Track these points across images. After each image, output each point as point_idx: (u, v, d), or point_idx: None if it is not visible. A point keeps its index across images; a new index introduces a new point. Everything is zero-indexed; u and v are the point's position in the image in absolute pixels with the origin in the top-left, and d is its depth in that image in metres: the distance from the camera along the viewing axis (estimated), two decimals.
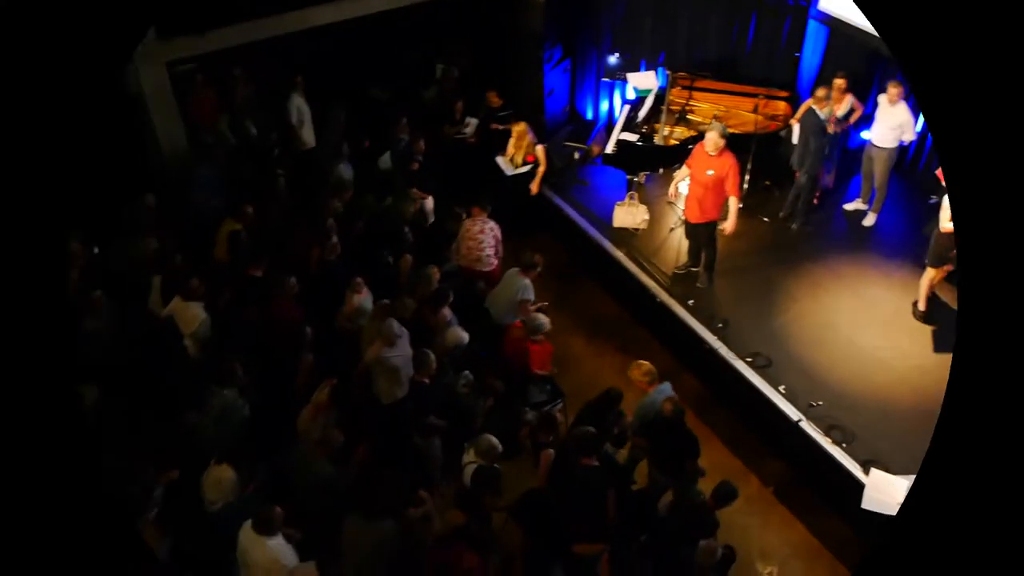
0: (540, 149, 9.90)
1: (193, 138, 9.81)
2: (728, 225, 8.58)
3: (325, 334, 7.67)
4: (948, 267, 7.94)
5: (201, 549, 6.05)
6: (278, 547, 5.53)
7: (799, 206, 9.50)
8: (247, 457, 6.32)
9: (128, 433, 6.70)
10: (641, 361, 7.12)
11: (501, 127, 10.60)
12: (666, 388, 6.98)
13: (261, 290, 7.64)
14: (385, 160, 9.91)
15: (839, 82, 9.09)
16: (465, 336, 7.47)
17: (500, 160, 10.01)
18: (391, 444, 6.78)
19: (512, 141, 9.95)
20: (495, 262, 8.71)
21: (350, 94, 11.06)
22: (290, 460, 6.50)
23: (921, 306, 8.27)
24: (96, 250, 8.33)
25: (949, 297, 8.35)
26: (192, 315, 7.32)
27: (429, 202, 9.32)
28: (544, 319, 7.57)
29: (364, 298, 7.76)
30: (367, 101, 11.30)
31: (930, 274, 8.07)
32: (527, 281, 8.05)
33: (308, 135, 10.40)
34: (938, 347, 8.09)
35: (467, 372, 7.34)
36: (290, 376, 7.26)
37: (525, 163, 9.93)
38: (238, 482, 6.19)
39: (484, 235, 8.55)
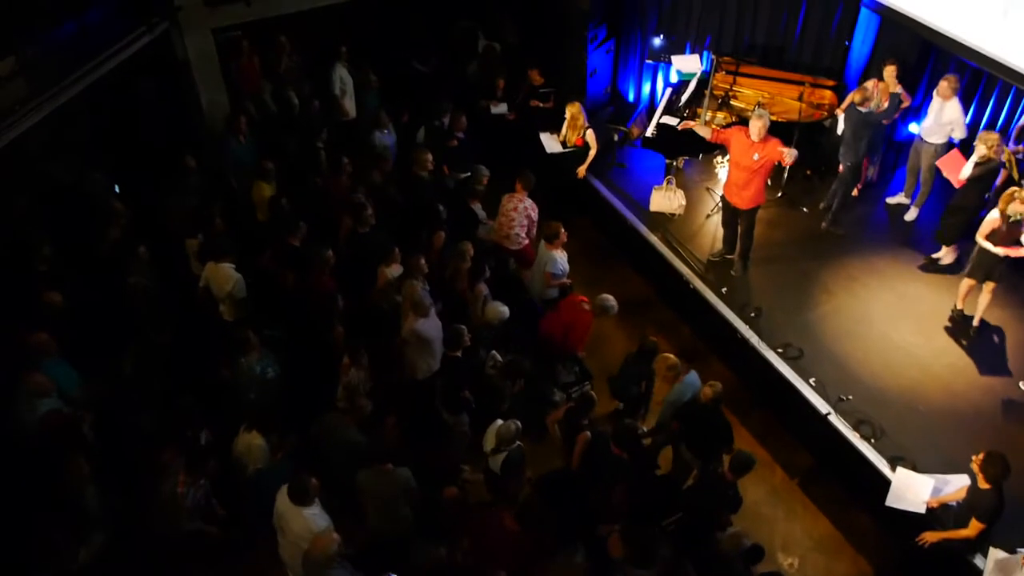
0: (591, 133, 9.82)
1: (236, 105, 9.91)
2: (788, 156, 7.99)
3: (357, 305, 7.75)
4: (991, 284, 7.78)
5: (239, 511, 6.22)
6: (313, 517, 5.61)
7: (835, 204, 9.35)
8: (276, 424, 6.45)
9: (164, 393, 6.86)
10: (667, 355, 7.10)
11: (541, 105, 10.57)
12: (693, 378, 6.96)
13: (299, 259, 7.75)
14: (420, 135, 9.94)
15: (890, 68, 8.93)
16: (505, 310, 7.48)
17: (545, 137, 9.95)
18: (420, 418, 6.86)
19: (567, 121, 9.87)
20: (525, 241, 8.74)
21: (392, 65, 11.11)
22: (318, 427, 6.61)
23: (960, 305, 8.14)
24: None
25: (997, 315, 8.18)
26: (226, 275, 7.49)
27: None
28: (612, 301, 7.54)
29: (397, 271, 7.80)
30: (409, 74, 11.32)
31: (969, 283, 7.93)
32: (553, 253, 8.07)
33: (350, 105, 10.49)
34: (973, 348, 7.97)
35: (495, 352, 7.37)
36: (323, 346, 7.34)
37: (574, 145, 9.87)
38: (267, 449, 6.32)
39: (516, 213, 8.57)
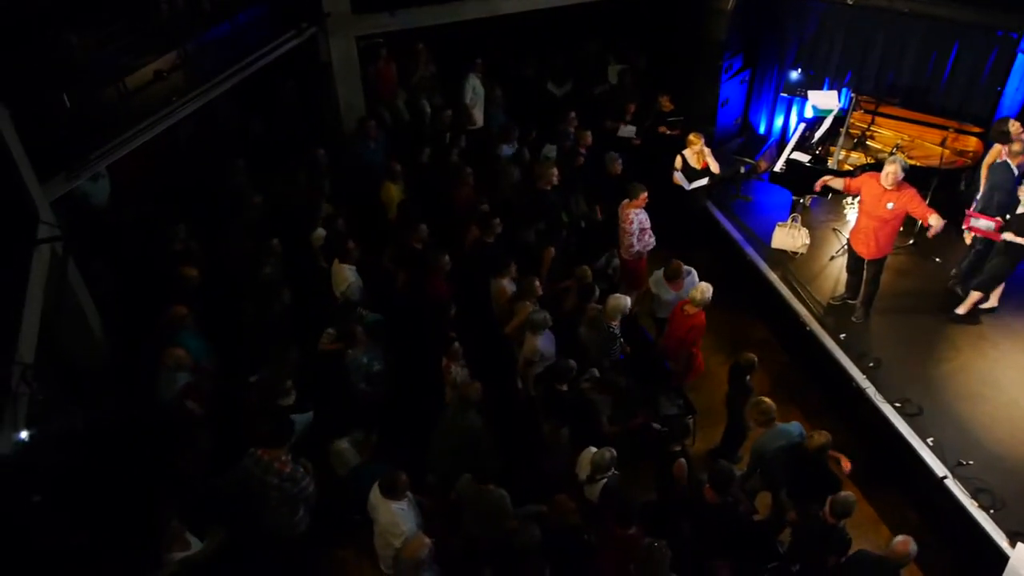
0: (710, 155, 9.72)
1: (371, 109, 10.29)
2: (935, 222, 7.73)
3: (472, 313, 7.92)
4: None
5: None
6: (400, 511, 5.77)
7: (964, 264, 8.76)
8: (360, 422, 6.72)
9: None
10: (761, 399, 6.87)
11: (669, 132, 10.50)
12: (789, 428, 6.74)
13: (417, 261, 7.98)
14: (549, 150, 10.03)
15: (1017, 127, 8.41)
16: (628, 301, 7.59)
17: (679, 176, 9.78)
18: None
19: (692, 157, 9.66)
20: (635, 248, 8.82)
21: (523, 84, 11.30)
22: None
23: None
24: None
25: None
26: (343, 277, 7.80)
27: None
28: (706, 289, 7.57)
29: (509, 285, 7.95)
30: (539, 93, 11.49)
31: None
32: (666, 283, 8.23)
33: (478, 115, 10.76)
34: None
35: (594, 370, 7.37)
36: (433, 349, 7.49)
37: (701, 172, 9.75)
38: (354, 450, 6.60)
39: (629, 224, 8.69)
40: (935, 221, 7.68)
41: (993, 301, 8.53)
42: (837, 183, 8.39)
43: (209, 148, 9.75)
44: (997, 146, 8.61)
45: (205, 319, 7.33)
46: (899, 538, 5.62)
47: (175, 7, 8.56)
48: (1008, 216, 7.94)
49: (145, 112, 7.62)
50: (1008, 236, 7.79)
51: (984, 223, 8.01)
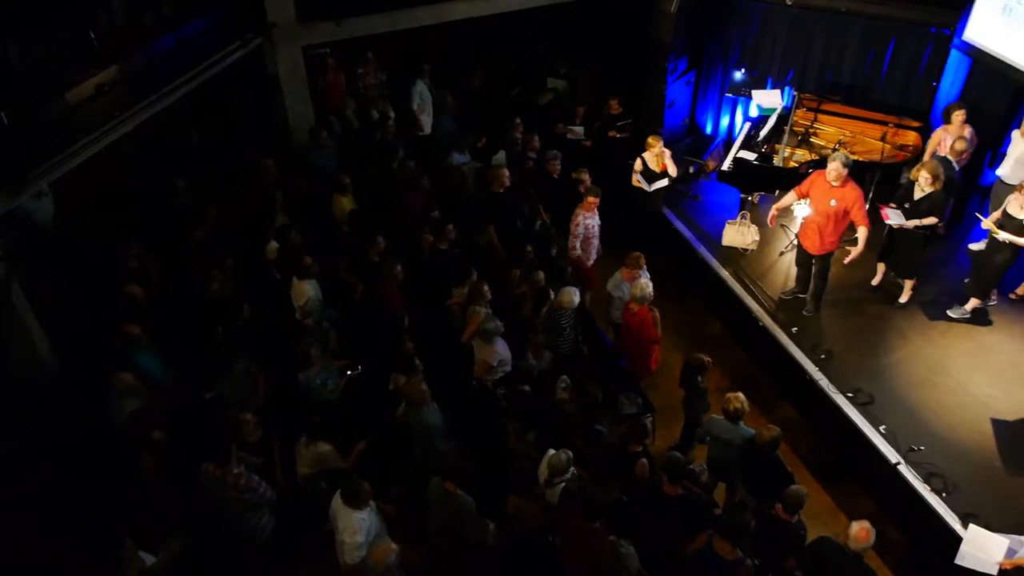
0: (669, 157, 9.76)
1: (320, 119, 10.20)
2: (855, 252, 8.20)
3: (433, 320, 7.93)
4: None
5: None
6: (361, 521, 5.70)
7: None
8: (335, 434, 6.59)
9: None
10: (736, 395, 6.93)
11: (619, 136, 10.59)
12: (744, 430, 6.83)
13: (374, 272, 7.94)
14: (499, 157, 10.05)
15: (958, 114, 8.77)
16: (577, 293, 7.66)
17: (639, 179, 9.77)
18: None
19: (652, 159, 9.64)
20: (578, 254, 8.87)
21: (472, 90, 11.32)
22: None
23: None
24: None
25: None
26: (302, 291, 7.71)
27: None
28: (645, 286, 7.70)
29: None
30: (490, 99, 11.51)
31: None
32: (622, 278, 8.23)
33: (426, 121, 10.75)
34: None
35: (565, 376, 7.37)
36: (389, 358, 7.45)
37: (660, 174, 9.79)
38: (336, 452, 6.47)
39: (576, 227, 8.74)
40: (861, 237, 8.02)
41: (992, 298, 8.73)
42: (789, 199, 8.48)
43: (157, 161, 9.58)
44: (937, 133, 8.90)
45: (167, 334, 7.24)
46: (857, 525, 5.69)
47: (115, 21, 8.40)
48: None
49: (87, 128, 7.46)
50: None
51: (896, 216, 8.24)
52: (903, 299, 8.84)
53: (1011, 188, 8.54)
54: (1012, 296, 8.75)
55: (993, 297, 8.69)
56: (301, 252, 7.85)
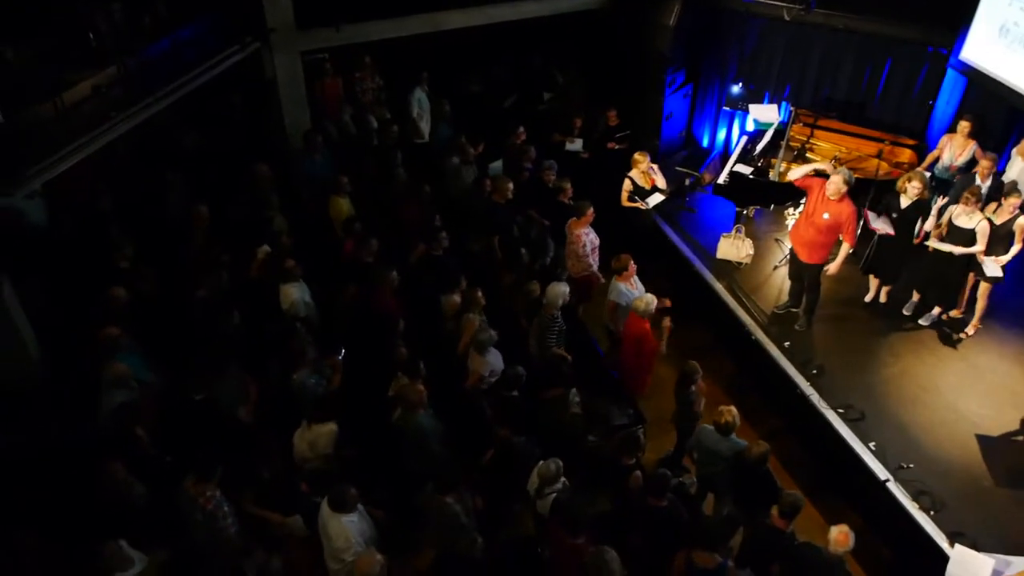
0: (657, 171, 9.76)
1: (318, 125, 10.20)
2: (833, 267, 8.38)
3: (427, 326, 7.92)
4: None
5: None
6: (351, 524, 5.68)
7: None
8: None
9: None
10: (729, 408, 6.94)
11: (617, 147, 10.61)
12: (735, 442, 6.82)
13: (367, 276, 7.93)
14: (496, 166, 10.06)
15: (964, 124, 8.78)
16: (565, 288, 7.69)
17: (635, 199, 9.69)
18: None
19: (640, 177, 9.60)
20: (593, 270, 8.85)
21: (470, 98, 11.32)
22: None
23: None
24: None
25: None
26: (287, 294, 7.70)
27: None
28: (649, 301, 7.68)
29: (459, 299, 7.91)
30: (488, 107, 11.53)
31: None
32: (620, 284, 8.21)
33: (425, 128, 10.75)
34: None
35: (575, 389, 7.31)
36: (382, 364, 7.42)
37: (651, 190, 9.78)
38: (337, 432, 6.48)
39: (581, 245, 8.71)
40: (842, 252, 8.17)
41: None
42: (797, 171, 8.42)
43: (151, 164, 9.56)
44: (942, 140, 9.06)
45: (158, 337, 7.21)
46: (836, 529, 5.74)
47: (114, 22, 8.39)
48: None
49: (83, 128, 7.44)
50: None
51: (881, 223, 8.29)
52: (869, 298, 9.06)
53: None
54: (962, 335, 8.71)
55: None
56: (285, 256, 7.84)
